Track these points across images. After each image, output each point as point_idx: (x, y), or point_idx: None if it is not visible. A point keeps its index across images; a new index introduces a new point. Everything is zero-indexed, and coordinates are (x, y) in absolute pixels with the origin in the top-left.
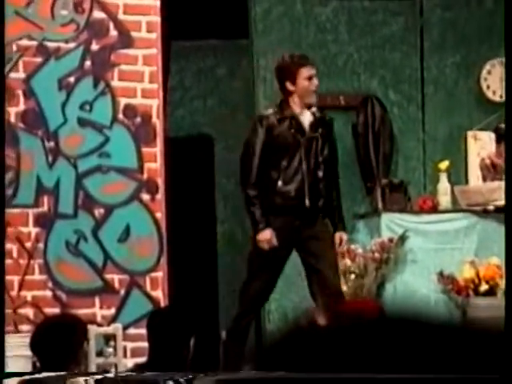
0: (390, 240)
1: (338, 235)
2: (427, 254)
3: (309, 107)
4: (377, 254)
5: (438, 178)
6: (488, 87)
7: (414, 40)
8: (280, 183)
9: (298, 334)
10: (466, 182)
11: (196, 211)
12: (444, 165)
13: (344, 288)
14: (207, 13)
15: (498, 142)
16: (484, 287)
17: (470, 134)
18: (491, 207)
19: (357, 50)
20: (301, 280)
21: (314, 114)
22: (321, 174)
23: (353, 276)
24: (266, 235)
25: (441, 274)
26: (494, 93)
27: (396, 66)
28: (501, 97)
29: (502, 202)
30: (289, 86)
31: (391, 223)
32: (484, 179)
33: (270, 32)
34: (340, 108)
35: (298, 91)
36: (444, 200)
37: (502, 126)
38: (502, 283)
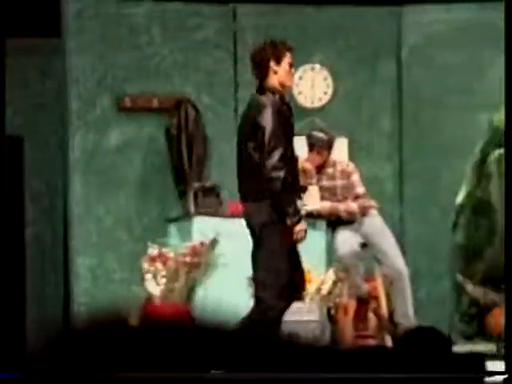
0: (202, 244)
1: None
2: (238, 258)
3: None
4: (188, 258)
5: None
6: (300, 93)
7: (228, 44)
8: (292, 172)
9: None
10: None
11: (3, 213)
12: None
13: (155, 291)
14: (18, 10)
15: (310, 148)
16: None
17: None
18: (302, 212)
19: (171, 53)
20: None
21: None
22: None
23: (164, 280)
24: (304, 226)
25: (251, 279)
26: (305, 98)
27: (210, 69)
28: (312, 102)
29: (312, 207)
30: (273, 65)
31: (203, 227)
32: None
33: (82, 32)
34: (153, 110)
35: (280, 73)
36: None
37: (314, 133)
38: (311, 287)
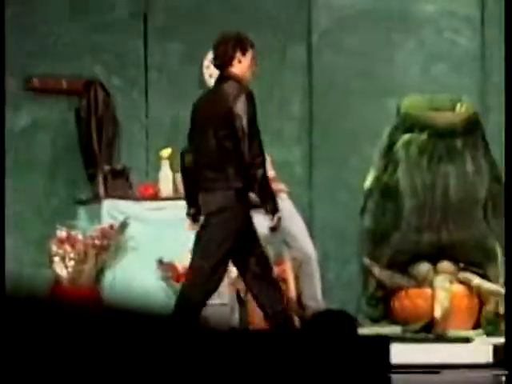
0: (111, 227)
1: None
2: (148, 241)
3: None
4: (97, 241)
5: (161, 165)
6: (210, 76)
7: (138, 25)
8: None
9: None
10: None
11: None
12: (166, 152)
13: (63, 274)
14: None
15: None
16: None
17: None
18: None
19: (81, 34)
20: None
21: None
22: None
23: (72, 262)
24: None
25: (160, 262)
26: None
27: (120, 50)
28: None
29: None
30: (239, 55)
31: (112, 210)
32: None
33: None
34: (62, 92)
35: (244, 63)
36: (165, 187)
37: None
38: None
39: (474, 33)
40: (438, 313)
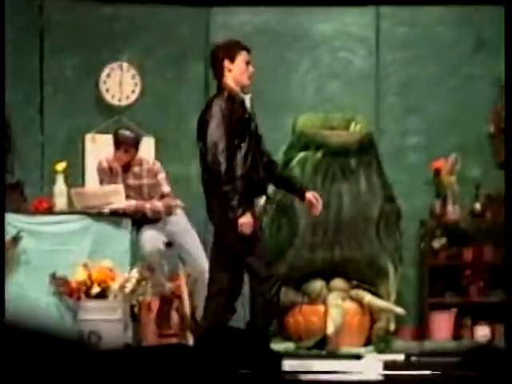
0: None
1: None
2: (41, 256)
3: (245, 92)
4: None
5: (55, 180)
6: (107, 90)
7: (34, 40)
8: (243, 167)
9: None
10: (83, 184)
11: None
12: (61, 166)
13: None
14: None
15: (116, 146)
16: (96, 290)
17: (88, 136)
18: (106, 210)
19: None
20: None
21: (251, 98)
22: (265, 159)
23: None
24: (248, 219)
25: (53, 276)
26: (112, 96)
27: (15, 65)
28: (119, 100)
29: (117, 205)
30: (227, 64)
31: (6, 223)
32: (101, 182)
33: None
34: None
35: (235, 71)
36: (60, 201)
37: (121, 131)
38: (114, 285)
39: (369, 53)
40: (330, 329)
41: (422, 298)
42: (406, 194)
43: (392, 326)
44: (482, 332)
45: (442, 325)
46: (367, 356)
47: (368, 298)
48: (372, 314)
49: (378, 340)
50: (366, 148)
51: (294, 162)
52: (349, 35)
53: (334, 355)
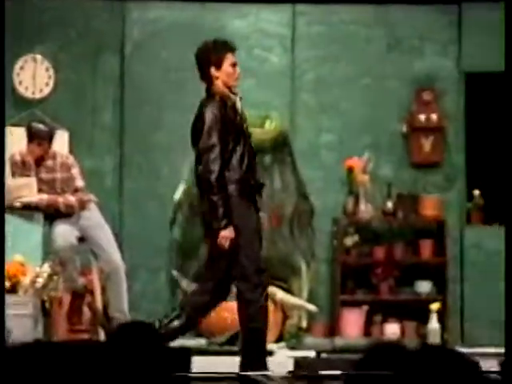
0: None
1: None
2: None
3: (234, 93)
4: None
5: None
6: (20, 83)
7: None
8: (240, 170)
9: None
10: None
11: None
12: None
13: None
14: None
15: (29, 139)
16: (6, 284)
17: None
18: (18, 204)
19: None
20: None
21: (240, 99)
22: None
23: None
24: (229, 233)
25: None
26: (26, 89)
27: None
28: (33, 93)
29: (29, 199)
30: (214, 71)
31: None
32: (13, 175)
33: None
34: None
35: (222, 76)
36: None
37: (34, 124)
38: (25, 280)
39: (285, 51)
40: None
41: (334, 295)
42: (320, 192)
43: (304, 323)
44: (392, 330)
45: (352, 322)
46: (278, 352)
47: (280, 294)
48: (284, 310)
49: (289, 336)
50: (281, 145)
51: None
52: (265, 32)
53: None
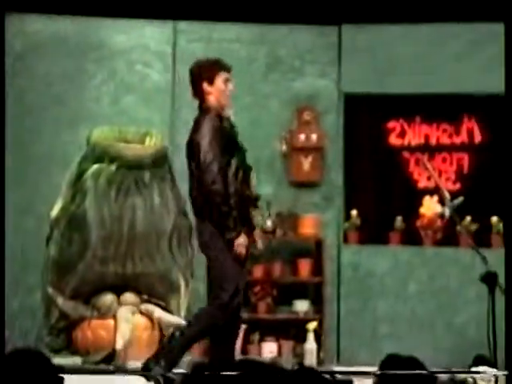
0: None
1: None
2: None
3: (226, 110)
4: None
5: None
6: None
7: None
8: (235, 182)
9: None
10: None
11: None
12: None
13: None
14: None
15: None
16: None
17: None
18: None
19: None
20: None
21: (231, 116)
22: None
23: None
24: (243, 240)
25: None
26: None
27: None
28: None
29: None
30: (206, 86)
31: None
32: None
33: None
34: None
35: (214, 93)
36: None
37: None
38: None
39: (166, 68)
40: (119, 344)
41: None
42: None
43: None
44: (269, 348)
45: None
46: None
47: (158, 312)
48: (161, 328)
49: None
50: (160, 162)
51: (88, 173)
52: (146, 49)
53: (122, 370)
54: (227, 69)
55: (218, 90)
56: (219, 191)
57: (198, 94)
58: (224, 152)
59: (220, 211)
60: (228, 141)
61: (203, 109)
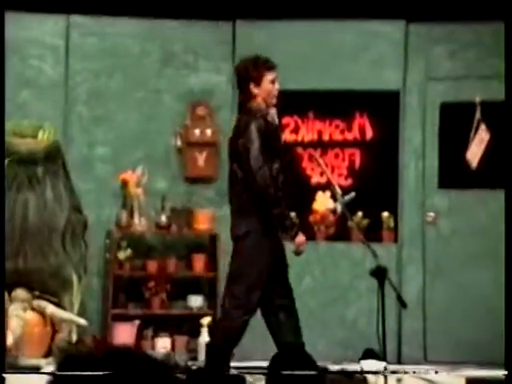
0: None
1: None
2: None
3: (270, 109)
4: None
5: None
6: None
7: None
8: (277, 185)
9: None
10: None
11: None
12: None
13: None
14: None
15: None
16: None
17: None
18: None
19: None
20: None
21: (276, 111)
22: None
23: None
24: (303, 238)
25: None
26: None
27: None
28: None
29: None
30: (253, 88)
31: None
32: None
33: None
34: None
35: (261, 94)
36: None
37: None
38: None
39: (58, 62)
40: (9, 341)
41: (106, 309)
42: (93, 205)
43: (74, 337)
44: (163, 344)
45: (124, 336)
46: (46, 367)
47: (50, 308)
48: (54, 324)
49: (58, 351)
50: (53, 157)
51: None
52: (39, 42)
53: (14, 367)
54: (273, 68)
55: (265, 91)
56: (271, 194)
57: (245, 94)
58: (269, 155)
59: (275, 214)
60: (273, 142)
61: (248, 109)
